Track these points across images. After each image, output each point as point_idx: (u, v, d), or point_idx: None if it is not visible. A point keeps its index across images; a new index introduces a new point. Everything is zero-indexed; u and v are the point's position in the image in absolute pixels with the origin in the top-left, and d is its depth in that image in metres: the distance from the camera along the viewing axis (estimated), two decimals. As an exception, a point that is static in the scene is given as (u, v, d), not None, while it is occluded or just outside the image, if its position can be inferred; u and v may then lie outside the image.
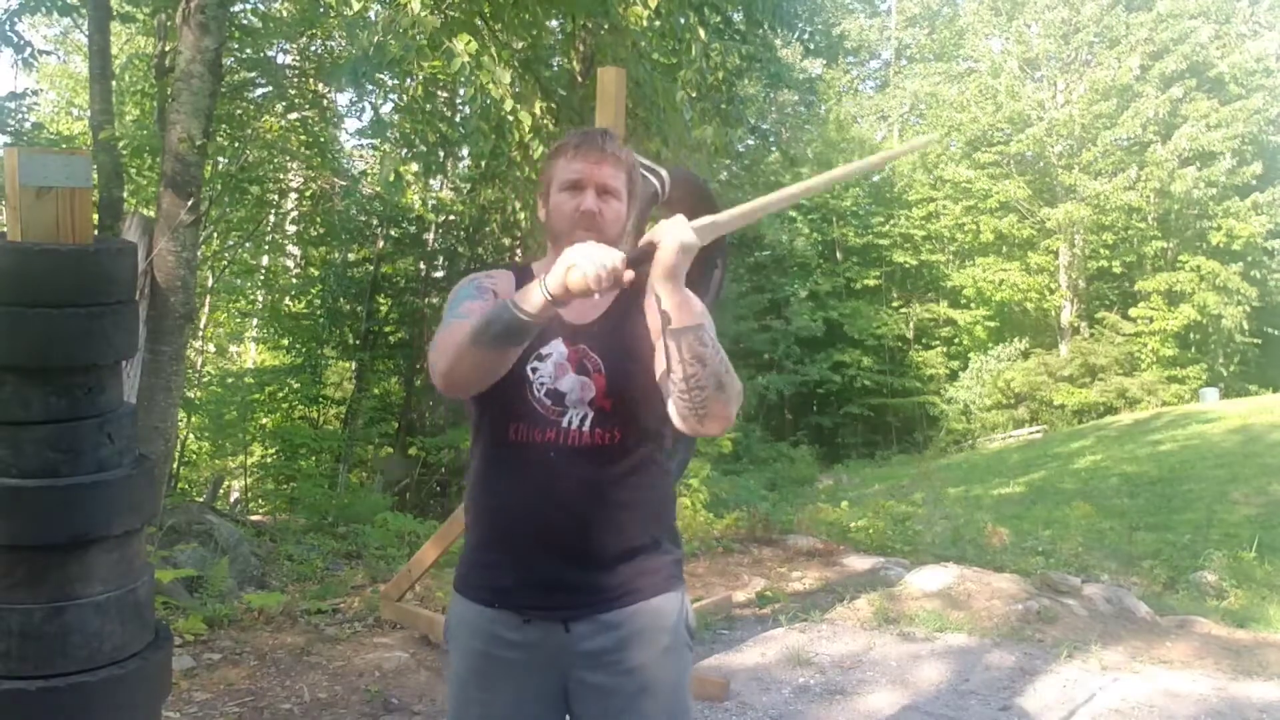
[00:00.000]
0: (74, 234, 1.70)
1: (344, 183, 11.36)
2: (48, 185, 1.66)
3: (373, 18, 5.98)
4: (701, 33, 6.36)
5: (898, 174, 29.52)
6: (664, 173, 3.23)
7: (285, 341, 13.23)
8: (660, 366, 1.47)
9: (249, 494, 11.45)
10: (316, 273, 13.39)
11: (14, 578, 1.66)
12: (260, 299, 14.23)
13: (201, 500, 8.97)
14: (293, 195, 12.65)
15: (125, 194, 6.93)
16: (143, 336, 4.86)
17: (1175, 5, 26.91)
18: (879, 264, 28.44)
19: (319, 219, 12.25)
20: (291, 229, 14.02)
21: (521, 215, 8.48)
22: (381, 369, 12.96)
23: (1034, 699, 3.64)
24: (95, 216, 5.59)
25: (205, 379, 12.97)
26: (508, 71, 5.71)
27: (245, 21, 8.29)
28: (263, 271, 13.87)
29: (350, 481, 10.71)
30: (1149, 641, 4.42)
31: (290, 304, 13.54)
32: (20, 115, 7.02)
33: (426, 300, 12.94)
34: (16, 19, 6.35)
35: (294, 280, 14.04)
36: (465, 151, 10.76)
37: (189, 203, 5.12)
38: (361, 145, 13.70)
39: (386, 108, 10.50)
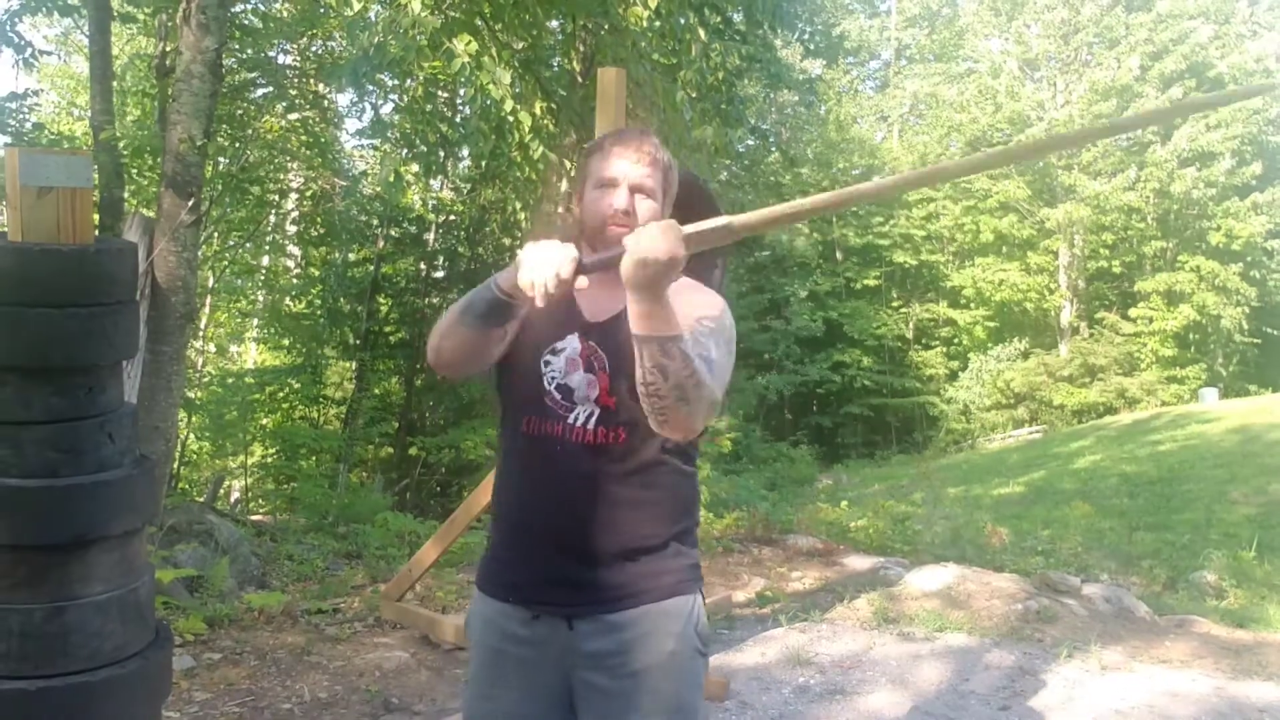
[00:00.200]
0: (75, 234, 1.70)
1: (344, 183, 11.37)
2: (49, 185, 1.66)
3: (373, 18, 5.99)
4: (701, 33, 6.36)
5: (897, 174, 29.48)
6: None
7: (286, 341, 13.24)
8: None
9: (249, 494, 11.45)
10: (317, 273, 13.39)
11: (15, 577, 1.66)
12: (261, 299, 14.24)
13: (202, 500, 8.97)
14: (293, 195, 12.66)
15: (126, 194, 6.93)
16: (143, 337, 4.87)
17: (1175, 6, 26.92)
18: (879, 264, 28.43)
19: (319, 219, 12.26)
20: (292, 229, 14.03)
21: (522, 215, 8.48)
22: (382, 369, 12.97)
23: (1034, 699, 3.64)
24: (96, 217, 5.59)
25: (206, 379, 12.97)
26: (508, 72, 5.71)
27: (246, 22, 8.29)
28: (263, 272, 13.87)
29: (350, 481, 10.71)
30: (1148, 641, 4.43)
31: (291, 304, 13.55)
32: (21, 115, 7.02)
33: (427, 300, 12.95)
34: (17, 19, 6.35)
35: (294, 280, 14.04)
36: (465, 152, 10.78)
37: (190, 203, 5.13)
38: (362, 145, 13.72)
39: (387, 108, 10.52)
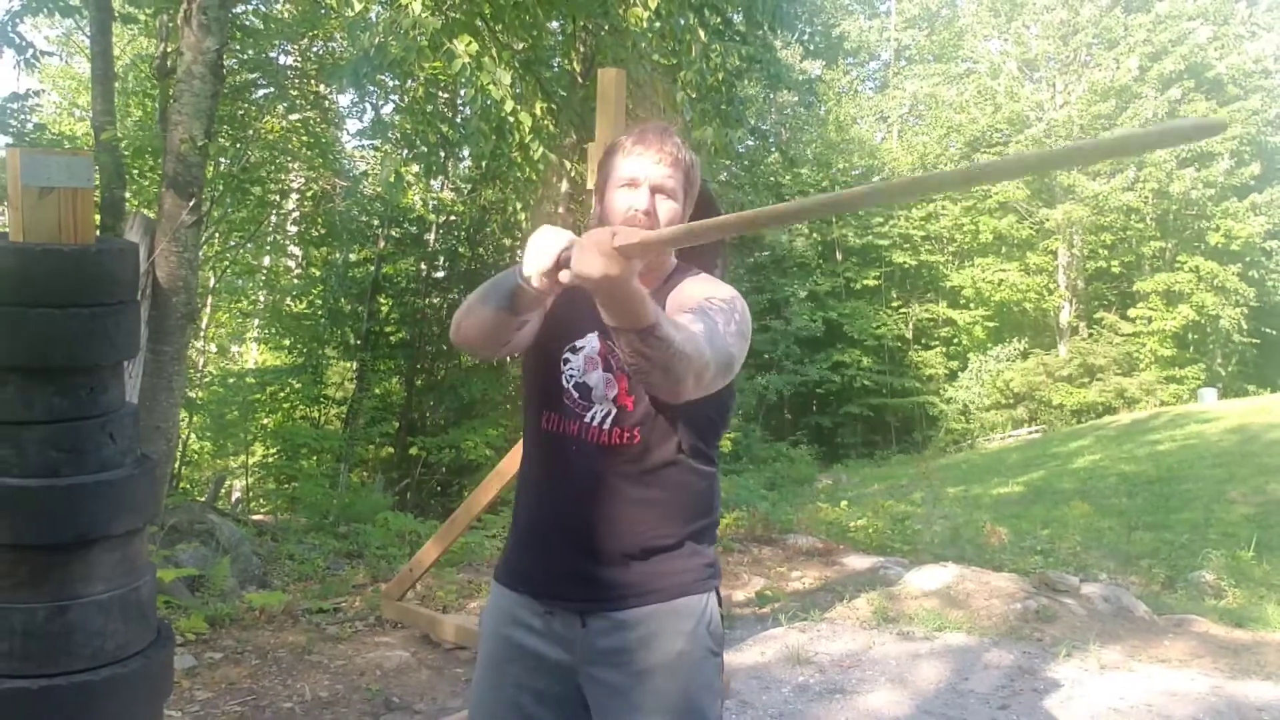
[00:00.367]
0: (76, 234, 1.71)
1: (345, 183, 11.39)
2: (50, 186, 1.67)
3: (374, 19, 5.99)
4: (701, 34, 6.37)
5: (897, 175, 29.51)
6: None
7: (286, 342, 13.26)
8: None
9: (250, 493, 11.46)
10: (318, 273, 13.41)
11: (17, 577, 1.67)
12: (262, 299, 14.26)
13: (203, 500, 8.98)
14: (294, 196, 12.67)
15: (127, 194, 6.94)
16: (145, 337, 4.88)
17: (1174, 7, 26.93)
18: (878, 264, 28.44)
19: (320, 220, 12.27)
20: (293, 229, 14.04)
21: (522, 215, 8.49)
22: (382, 369, 12.99)
23: (1032, 698, 3.65)
24: (97, 217, 5.60)
25: (207, 379, 12.98)
26: (508, 72, 5.72)
27: (247, 23, 8.30)
28: (264, 272, 13.89)
29: (351, 481, 10.72)
30: (1147, 640, 4.43)
31: (291, 304, 13.57)
32: (23, 116, 7.03)
33: (427, 300, 12.97)
34: (18, 20, 6.36)
35: (295, 281, 14.06)
36: (466, 152, 10.79)
37: (191, 203, 5.14)
38: (362, 146, 13.73)
39: (387, 109, 10.53)
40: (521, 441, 1.67)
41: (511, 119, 5.69)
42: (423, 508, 9.87)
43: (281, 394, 12.27)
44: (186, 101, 5.16)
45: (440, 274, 13.44)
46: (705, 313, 1.42)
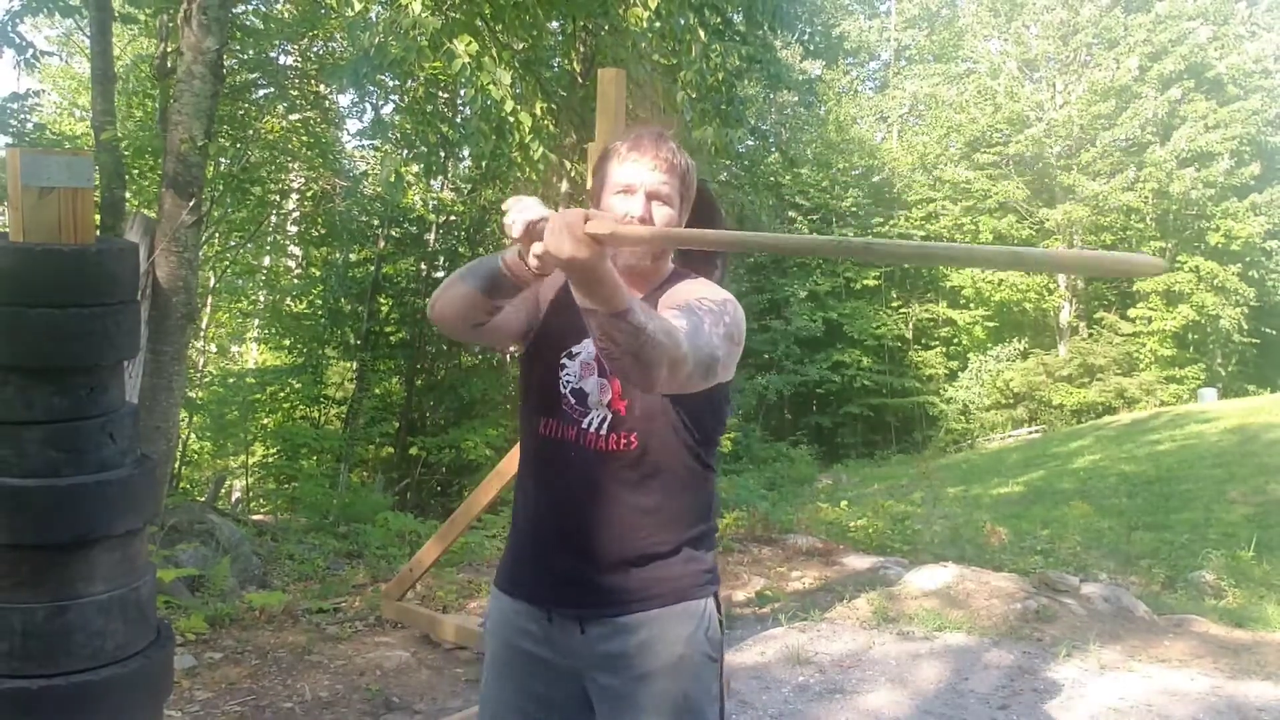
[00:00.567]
0: (76, 234, 1.71)
1: (345, 183, 11.39)
2: (50, 186, 1.67)
3: (374, 19, 5.99)
4: (701, 34, 6.37)
5: (897, 175, 29.54)
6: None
7: (286, 342, 13.26)
8: None
9: (250, 493, 11.46)
10: (318, 273, 13.42)
11: (17, 577, 1.67)
12: (262, 299, 14.26)
13: (203, 500, 8.98)
14: (294, 196, 12.68)
15: (127, 194, 6.94)
16: (144, 337, 4.88)
17: (1173, 7, 26.92)
18: (878, 264, 28.43)
19: (320, 220, 12.28)
20: (293, 229, 14.05)
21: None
22: (383, 369, 12.99)
23: (1032, 698, 3.65)
24: (97, 217, 5.61)
25: (207, 379, 12.99)
26: (508, 72, 5.72)
27: (247, 23, 8.30)
28: (264, 272, 13.89)
29: (351, 481, 10.72)
30: (1147, 640, 4.43)
31: (291, 304, 13.57)
32: (23, 116, 7.03)
33: (427, 300, 12.94)
34: (18, 20, 6.36)
35: (295, 281, 14.07)
36: (466, 152, 10.80)
37: (191, 203, 5.14)
38: (363, 146, 13.73)
39: (387, 109, 10.53)
40: (520, 445, 1.67)
41: (511, 119, 5.69)
42: (423, 508, 9.87)
43: (281, 394, 12.27)
44: (186, 101, 5.17)
45: (440, 274, 13.42)
46: (693, 311, 1.41)
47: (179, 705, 3.18)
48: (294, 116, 9.68)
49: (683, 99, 6.37)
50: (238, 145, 9.14)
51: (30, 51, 6.55)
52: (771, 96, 21.97)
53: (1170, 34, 26.60)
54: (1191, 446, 16.33)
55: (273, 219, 13.05)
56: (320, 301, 12.83)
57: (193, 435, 11.35)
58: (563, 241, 1.16)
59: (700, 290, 1.54)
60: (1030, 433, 24.94)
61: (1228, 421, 18.05)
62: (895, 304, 28.73)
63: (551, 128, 6.79)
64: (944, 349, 28.55)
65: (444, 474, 12.18)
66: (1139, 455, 16.28)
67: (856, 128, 31.20)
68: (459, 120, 9.24)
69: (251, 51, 8.52)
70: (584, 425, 1.53)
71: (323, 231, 12.43)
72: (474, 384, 12.15)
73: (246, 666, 3.57)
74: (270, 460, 11.79)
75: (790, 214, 26.60)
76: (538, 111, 6.18)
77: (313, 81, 9.75)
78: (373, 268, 12.70)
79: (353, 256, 12.88)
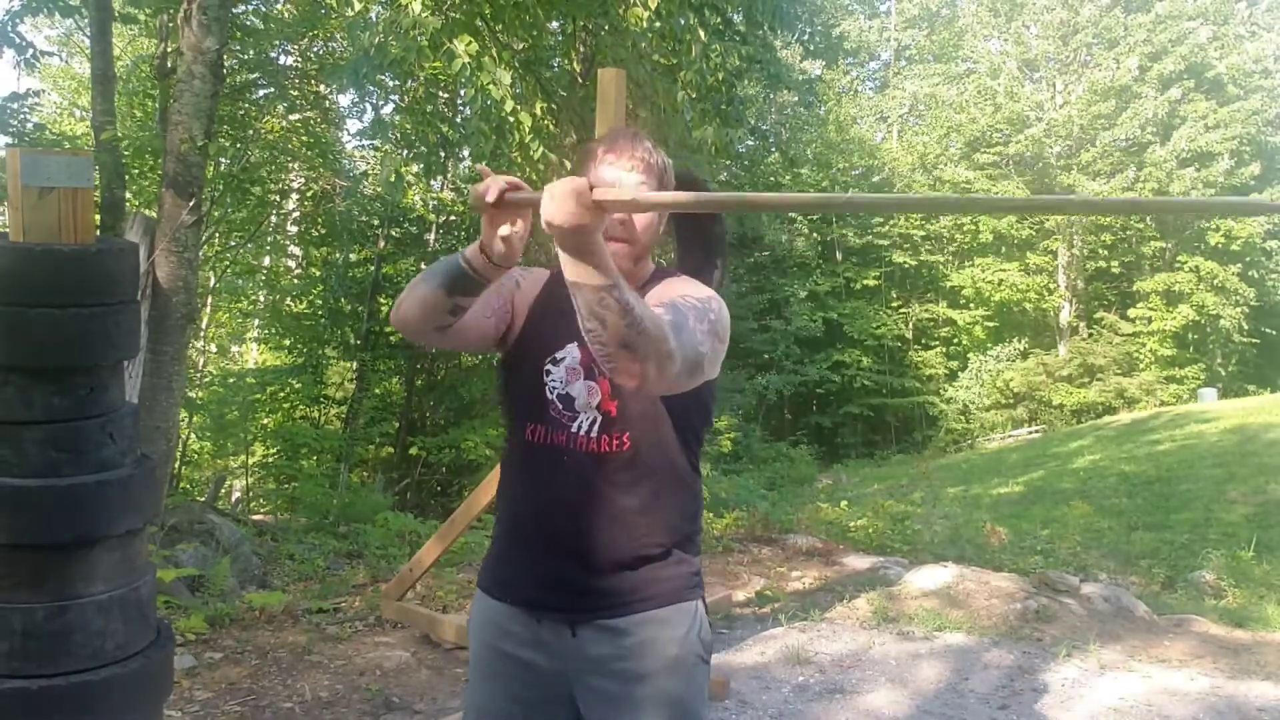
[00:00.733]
0: (76, 234, 1.71)
1: (345, 183, 11.39)
2: (50, 186, 1.67)
3: (374, 19, 5.99)
4: (701, 34, 6.37)
5: (897, 175, 29.54)
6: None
7: (287, 342, 13.26)
8: None
9: (250, 493, 11.45)
10: (318, 273, 13.41)
11: (16, 577, 1.67)
12: (262, 299, 14.26)
13: (203, 500, 8.98)
14: (294, 196, 12.68)
15: (127, 194, 6.94)
16: (144, 337, 4.88)
17: (1173, 7, 26.93)
18: (878, 264, 28.45)
19: (320, 219, 12.28)
20: (293, 229, 14.05)
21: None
22: (383, 369, 12.97)
23: (1032, 698, 3.65)
24: (97, 217, 5.61)
25: (207, 379, 12.99)
26: (508, 72, 5.72)
27: (247, 23, 8.30)
28: (264, 272, 13.89)
29: (351, 481, 10.72)
30: (1147, 640, 4.43)
31: (291, 304, 13.57)
32: (23, 116, 7.03)
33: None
34: (18, 20, 6.36)
35: (295, 281, 14.06)
36: (466, 152, 10.78)
37: (191, 203, 5.14)
38: (363, 146, 13.73)
39: (387, 109, 10.53)
40: (504, 451, 1.65)
41: (511, 119, 5.68)
42: (423, 508, 9.87)
43: (281, 394, 12.27)
44: (186, 101, 5.17)
45: (440, 274, 13.40)
46: (677, 307, 1.40)
47: (179, 705, 3.18)
48: (294, 116, 9.68)
49: (683, 99, 6.36)
50: (238, 145, 9.14)
51: (30, 51, 6.55)
52: (771, 96, 21.97)
53: (1170, 34, 26.61)
54: (1191, 446, 16.33)
55: (273, 219, 13.05)
56: (320, 301, 12.82)
57: (193, 435, 11.35)
58: (568, 206, 1.17)
59: (683, 288, 1.53)
60: (1030, 433, 24.94)
61: (1228, 421, 18.06)
62: (895, 304, 28.74)
63: (551, 128, 6.79)
64: (944, 349, 28.56)
65: (444, 474, 12.18)
66: (1139, 455, 16.29)
67: (856, 128, 31.20)
68: (459, 120, 9.24)
69: (251, 51, 8.52)
70: (573, 430, 1.52)
71: (323, 231, 12.43)
72: (474, 384, 12.15)
73: (246, 666, 3.57)
74: (270, 460, 11.79)
75: (790, 214, 26.58)
76: (538, 111, 6.18)
77: (313, 81, 9.75)
78: (373, 268, 12.69)
79: (353, 256, 12.87)
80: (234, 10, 6.66)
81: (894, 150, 30.87)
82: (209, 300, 12.72)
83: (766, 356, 24.99)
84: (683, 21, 6.41)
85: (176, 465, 8.78)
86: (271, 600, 4.17)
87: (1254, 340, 27.60)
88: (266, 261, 14.24)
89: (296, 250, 14.62)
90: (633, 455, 1.52)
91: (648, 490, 1.53)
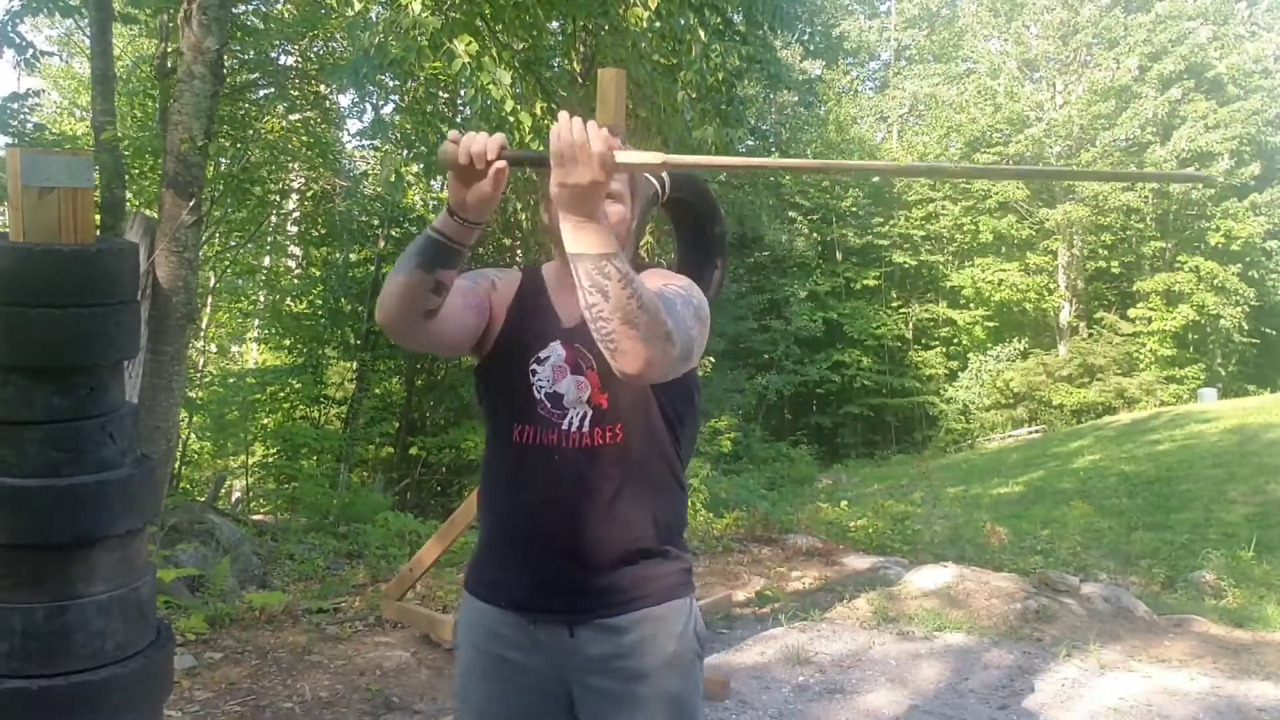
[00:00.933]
0: (76, 234, 1.71)
1: (345, 183, 11.38)
2: (50, 185, 1.67)
3: (374, 19, 5.99)
4: (701, 34, 6.37)
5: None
6: (664, 173, 3.24)
7: (287, 342, 13.25)
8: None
9: (250, 493, 11.45)
10: (318, 273, 13.40)
11: (16, 577, 1.67)
12: (262, 299, 14.25)
13: (203, 500, 8.97)
14: (294, 196, 12.67)
15: (127, 194, 6.94)
16: (144, 337, 4.88)
17: (1173, 7, 26.94)
18: (878, 264, 28.46)
19: (320, 219, 12.27)
20: (293, 229, 14.04)
21: (522, 215, 8.49)
22: (383, 369, 12.96)
23: (1032, 698, 3.65)
24: (97, 217, 5.61)
25: (207, 379, 12.98)
26: (508, 72, 5.72)
27: (247, 23, 8.30)
28: (264, 272, 13.88)
29: (351, 481, 10.71)
30: (1147, 640, 4.43)
31: (292, 304, 13.56)
32: (23, 116, 7.03)
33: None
34: (18, 20, 6.36)
35: (295, 281, 14.05)
36: (465, 152, 10.74)
37: (191, 203, 5.14)
38: (363, 146, 13.72)
39: (388, 109, 10.51)
40: (487, 455, 1.62)
41: (511, 119, 5.68)
42: (423, 508, 9.87)
43: (281, 394, 12.26)
44: (186, 101, 5.17)
45: (440, 274, 13.39)
46: (662, 294, 1.40)
47: (179, 705, 3.18)
48: (294, 116, 9.68)
49: (683, 99, 6.36)
50: (238, 145, 9.14)
51: (30, 51, 6.55)
52: (771, 96, 21.97)
53: (1170, 34, 26.62)
54: (1191, 446, 16.34)
55: (273, 219, 13.04)
56: (320, 301, 12.82)
57: (193, 435, 11.34)
58: (589, 167, 1.20)
59: (663, 276, 1.54)
60: (1030, 433, 24.95)
61: (1228, 421, 18.06)
62: (895, 304, 28.75)
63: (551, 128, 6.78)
64: (944, 349, 28.56)
65: (444, 474, 12.17)
66: (1139, 455, 16.29)
67: (856, 128, 31.22)
68: (459, 120, 9.25)
69: (251, 51, 8.52)
70: (564, 427, 1.51)
71: (323, 231, 12.43)
72: (474, 384, 12.13)
73: (246, 666, 3.57)
74: (270, 460, 11.78)
75: (790, 214, 26.60)
76: (538, 111, 6.17)
77: (313, 81, 9.74)
78: (373, 268, 12.68)
79: (353, 256, 12.87)
80: (234, 10, 6.66)
81: (894, 150, 30.89)
82: (209, 300, 12.71)
83: (766, 356, 24.99)
84: (683, 21, 6.42)
85: (176, 465, 8.77)
86: (271, 600, 4.18)
87: (1254, 340, 27.60)
88: (266, 261, 14.23)
89: (296, 250, 14.61)
90: (625, 447, 1.52)
91: (640, 483, 1.53)
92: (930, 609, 4.65)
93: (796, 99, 24.61)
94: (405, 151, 8.43)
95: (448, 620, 3.96)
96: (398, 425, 12.58)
